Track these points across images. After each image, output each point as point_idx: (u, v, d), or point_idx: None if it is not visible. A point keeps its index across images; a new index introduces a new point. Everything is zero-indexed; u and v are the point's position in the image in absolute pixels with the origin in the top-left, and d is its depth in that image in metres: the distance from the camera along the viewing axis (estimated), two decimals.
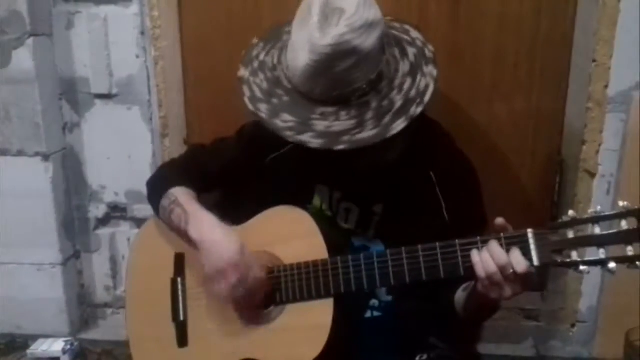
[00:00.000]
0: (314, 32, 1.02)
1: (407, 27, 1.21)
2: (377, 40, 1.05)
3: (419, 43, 1.16)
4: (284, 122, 1.09)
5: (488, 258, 0.98)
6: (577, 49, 1.53)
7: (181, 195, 1.23)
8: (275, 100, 1.11)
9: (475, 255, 1.00)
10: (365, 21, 1.03)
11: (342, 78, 1.04)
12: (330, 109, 1.08)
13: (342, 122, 1.07)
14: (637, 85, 1.45)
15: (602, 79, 1.45)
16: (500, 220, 1.00)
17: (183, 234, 1.19)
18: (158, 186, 1.28)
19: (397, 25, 1.20)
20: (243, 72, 1.17)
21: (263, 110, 1.11)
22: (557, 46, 1.54)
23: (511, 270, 0.96)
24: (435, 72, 1.11)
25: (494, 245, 0.99)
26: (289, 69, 1.10)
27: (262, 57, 1.18)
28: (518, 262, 0.96)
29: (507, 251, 0.97)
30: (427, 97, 1.09)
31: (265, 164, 1.27)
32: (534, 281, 0.99)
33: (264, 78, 1.15)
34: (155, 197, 1.26)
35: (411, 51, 1.14)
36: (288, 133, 1.08)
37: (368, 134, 1.06)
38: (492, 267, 0.97)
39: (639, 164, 1.47)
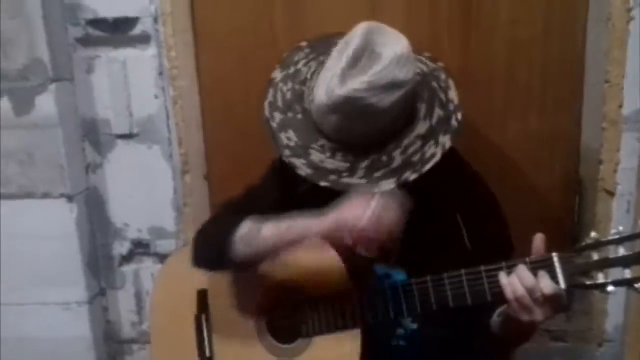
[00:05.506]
0: (335, 76, 1.02)
1: (450, 82, 1.14)
2: (397, 100, 1.02)
3: (450, 107, 1.11)
4: (288, 138, 1.10)
5: (515, 281, 0.98)
6: (590, 69, 1.54)
7: (262, 218, 1.13)
8: (290, 114, 1.12)
9: (503, 278, 1.00)
10: (391, 80, 1.01)
11: (347, 126, 1.05)
12: (330, 144, 1.08)
13: (336, 161, 1.07)
14: None
15: (615, 99, 1.46)
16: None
17: (303, 237, 1.10)
18: (220, 232, 1.16)
19: (443, 77, 1.15)
20: (276, 74, 1.17)
21: (276, 119, 1.12)
22: (569, 67, 1.56)
23: (539, 293, 0.96)
24: (448, 144, 1.07)
25: (521, 268, 0.99)
26: (312, 91, 1.10)
27: (300, 65, 1.17)
28: (546, 284, 0.96)
29: (535, 275, 0.98)
30: (427, 167, 1.06)
31: (298, 194, 1.25)
32: (564, 303, 0.99)
33: (291, 88, 1.15)
34: (220, 241, 1.14)
35: (437, 113, 1.10)
36: (285, 151, 1.09)
37: (354, 181, 1.06)
38: (520, 290, 0.98)
39: None
